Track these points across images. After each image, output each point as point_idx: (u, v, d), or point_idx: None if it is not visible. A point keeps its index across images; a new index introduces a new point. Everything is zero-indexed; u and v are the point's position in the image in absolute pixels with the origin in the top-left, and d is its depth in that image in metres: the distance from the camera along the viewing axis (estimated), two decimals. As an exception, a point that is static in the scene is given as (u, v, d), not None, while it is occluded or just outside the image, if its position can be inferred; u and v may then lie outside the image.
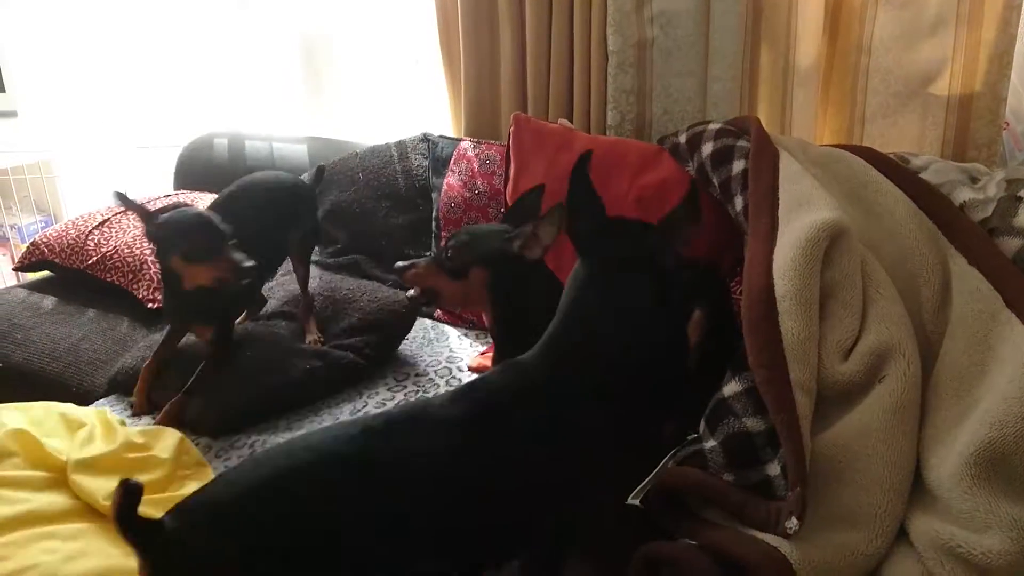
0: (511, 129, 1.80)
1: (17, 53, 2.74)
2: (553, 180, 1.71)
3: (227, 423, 1.48)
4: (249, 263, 1.41)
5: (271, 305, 1.84)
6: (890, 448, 1.09)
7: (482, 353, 1.76)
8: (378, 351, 1.68)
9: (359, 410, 1.50)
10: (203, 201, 2.08)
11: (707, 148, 1.57)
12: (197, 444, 1.45)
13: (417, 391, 1.57)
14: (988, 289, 1.20)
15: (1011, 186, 1.35)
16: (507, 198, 1.79)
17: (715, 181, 1.53)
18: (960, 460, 1.04)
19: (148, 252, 1.99)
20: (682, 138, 1.67)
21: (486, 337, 1.81)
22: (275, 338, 1.65)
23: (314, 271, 1.99)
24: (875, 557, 1.04)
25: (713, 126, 1.61)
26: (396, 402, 1.53)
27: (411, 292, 1.30)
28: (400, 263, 1.30)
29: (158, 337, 1.69)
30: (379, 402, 1.53)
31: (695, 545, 1.07)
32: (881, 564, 1.05)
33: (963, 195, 1.39)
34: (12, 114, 2.75)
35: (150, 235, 1.48)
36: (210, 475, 1.34)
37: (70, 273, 2.08)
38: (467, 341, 1.84)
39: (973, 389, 1.12)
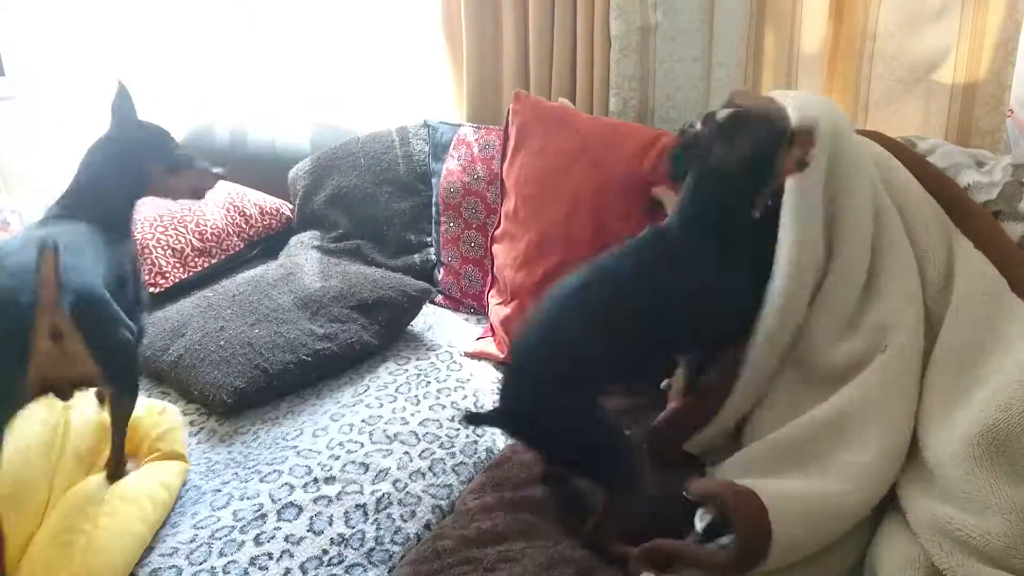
0: (511, 105, 1.79)
1: (16, 36, 2.73)
2: (550, 155, 1.71)
3: (238, 401, 1.48)
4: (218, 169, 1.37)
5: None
6: (889, 415, 1.12)
7: (479, 338, 1.76)
8: (388, 330, 1.69)
9: (360, 393, 1.51)
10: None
11: None
12: (201, 430, 1.46)
13: (418, 375, 1.57)
14: (993, 273, 1.20)
15: (1018, 171, 1.35)
16: (503, 175, 1.78)
17: None
18: (963, 441, 1.04)
19: (149, 236, 1.99)
20: (698, 126, 1.67)
21: (485, 321, 1.81)
22: (285, 318, 1.65)
23: (316, 256, 1.99)
24: (855, 516, 1.06)
25: (724, 112, 1.61)
26: (397, 386, 1.53)
27: None
28: None
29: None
30: (381, 385, 1.53)
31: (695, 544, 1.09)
32: (879, 546, 1.06)
33: (968, 177, 1.39)
34: (11, 98, 2.74)
35: None
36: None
37: (71, 257, 2.07)
38: (468, 326, 1.85)
39: (972, 367, 1.13)
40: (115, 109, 1.30)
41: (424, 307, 1.87)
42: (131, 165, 1.30)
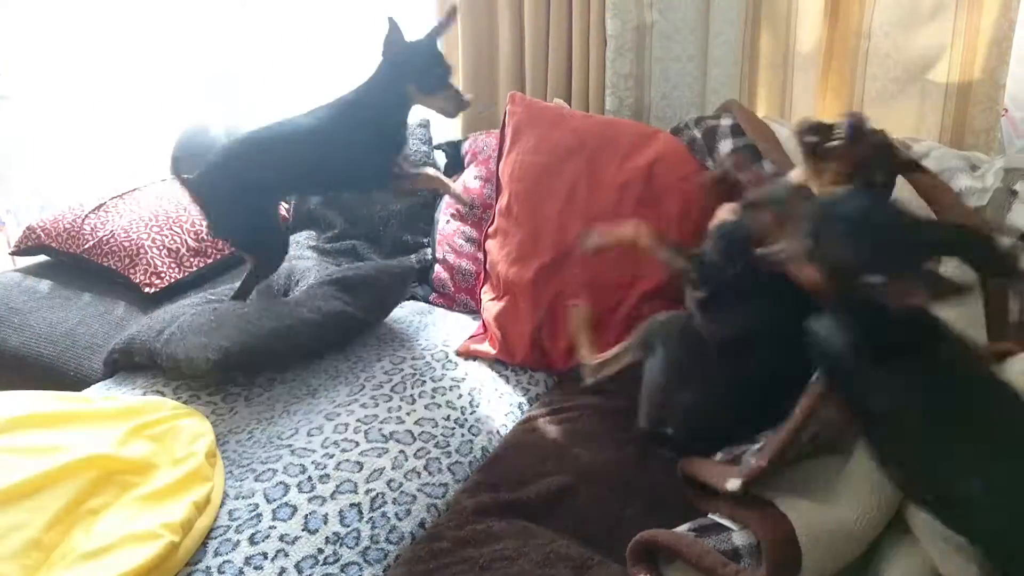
0: (507, 107, 1.79)
1: (11, 36, 2.72)
2: (543, 153, 1.71)
3: (223, 359, 1.46)
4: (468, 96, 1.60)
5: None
6: None
7: (471, 337, 1.75)
8: (373, 306, 1.70)
9: (355, 393, 1.50)
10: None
11: (725, 145, 1.59)
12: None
13: (414, 374, 1.57)
14: (976, 278, 1.21)
15: (1008, 177, 1.35)
16: (499, 174, 1.78)
17: None
18: None
19: (144, 236, 1.99)
20: (696, 132, 1.68)
21: (479, 320, 1.81)
22: (272, 293, 1.68)
23: (312, 256, 1.99)
24: (872, 538, 1.04)
25: (726, 122, 1.62)
26: (393, 385, 1.53)
27: None
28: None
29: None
30: (376, 384, 1.53)
31: (691, 533, 1.08)
32: (882, 552, 1.05)
33: (961, 182, 1.39)
34: (7, 97, 2.73)
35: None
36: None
37: (67, 258, 2.07)
38: (461, 324, 1.84)
39: None
40: (385, 38, 1.56)
41: (419, 305, 1.88)
42: (394, 86, 1.58)
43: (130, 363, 1.61)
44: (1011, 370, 1.08)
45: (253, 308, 1.62)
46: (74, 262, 2.06)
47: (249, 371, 1.52)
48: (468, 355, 1.68)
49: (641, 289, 1.60)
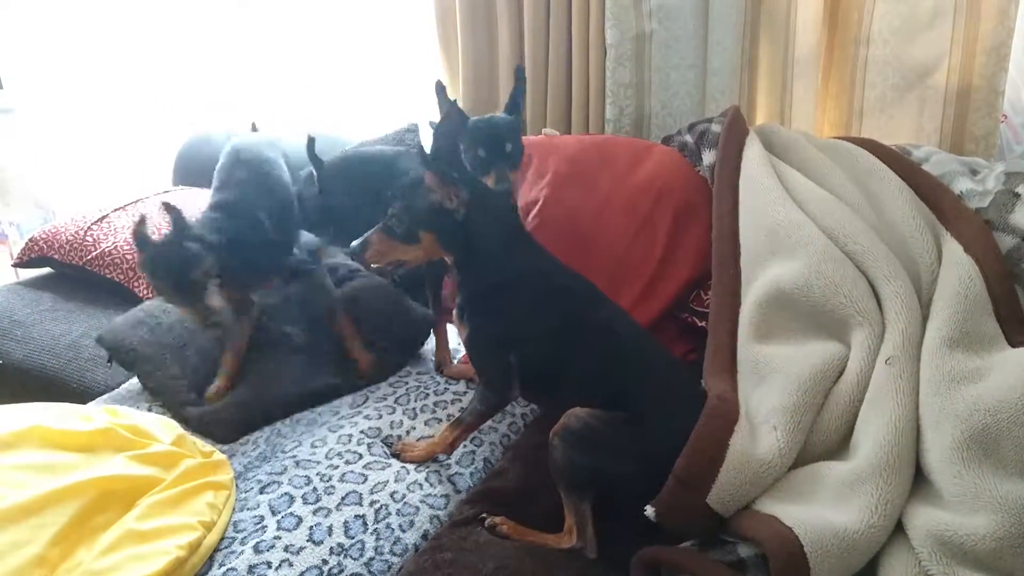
0: None
1: (14, 49, 2.74)
2: (541, 186, 1.67)
3: (241, 429, 1.48)
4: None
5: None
6: (910, 439, 1.11)
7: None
8: (400, 356, 1.68)
9: (359, 404, 1.50)
10: (204, 197, 2.07)
11: (708, 156, 1.59)
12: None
13: (418, 387, 1.57)
14: (978, 276, 1.22)
15: (1009, 180, 1.35)
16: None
17: None
18: (952, 444, 1.04)
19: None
20: (688, 137, 1.68)
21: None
22: (295, 349, 1.63)
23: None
24: (879, 546, 1.04)
25: (716, 127, 1.62)
26: (396, 397, 1.53)
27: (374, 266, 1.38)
28: (354, 244, 1.31)
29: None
30: (379, 397, 1.53)
31: (695, 549, 1.07)
32: (877, 559, 1.04)
33: (961, 185, 1.40)
34: (10, 111, 2.75)
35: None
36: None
37: (69, 269, 2.08)
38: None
39: (956, 371, 1.13)
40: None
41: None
42: None
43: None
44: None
45: (272, 359, 1.58)
46: (76, 273, 2.07)
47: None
48: (459, 376, 1.63)
49: (655, 308, 1.60)
